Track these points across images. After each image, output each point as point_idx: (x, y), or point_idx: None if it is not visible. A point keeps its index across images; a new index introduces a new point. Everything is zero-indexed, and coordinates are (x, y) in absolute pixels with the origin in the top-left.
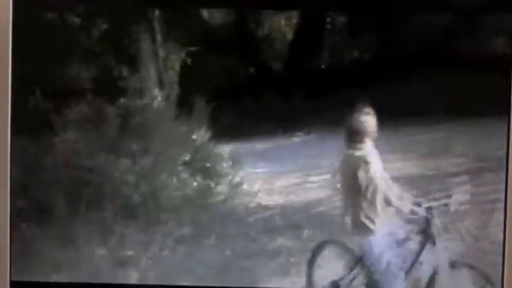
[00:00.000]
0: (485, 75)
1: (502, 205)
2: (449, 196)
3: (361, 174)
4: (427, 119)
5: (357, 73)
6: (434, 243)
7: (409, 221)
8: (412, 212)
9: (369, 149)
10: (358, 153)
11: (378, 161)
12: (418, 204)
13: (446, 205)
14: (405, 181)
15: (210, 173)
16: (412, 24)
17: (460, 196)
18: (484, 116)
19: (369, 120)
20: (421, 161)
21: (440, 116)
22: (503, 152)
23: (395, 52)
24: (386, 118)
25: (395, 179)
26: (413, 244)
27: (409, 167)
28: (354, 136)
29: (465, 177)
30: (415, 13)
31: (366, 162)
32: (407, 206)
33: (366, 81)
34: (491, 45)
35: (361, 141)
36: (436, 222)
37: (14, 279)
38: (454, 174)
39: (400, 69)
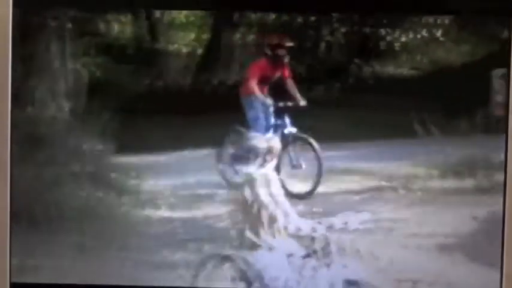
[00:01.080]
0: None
1: (401, 225)
2: (349, 215)
3: (262, 192)
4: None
5: None
6: (332, 261)
7: (307, 239)
8: (312, 230)
9: (269, 167)
10: (259, 171)
11: (273, 179)
12: (318, 222)
13: (345, 223)
14: (307, 199)
15: (113, 185)
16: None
17: (360, 215)
18: (390, 137)
19: (271, 140)
20: (326, 178)
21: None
22: (406, 171)
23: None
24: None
25: (297, 196)
26: (311, 261)
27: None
28: (250, 153)
29: (367, 196)
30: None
31: (267, 180)
32: (307, 224)
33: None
34: None
35: (263, 160)
36: (335, 240)
37: (14, 280)
38: (356, 193)
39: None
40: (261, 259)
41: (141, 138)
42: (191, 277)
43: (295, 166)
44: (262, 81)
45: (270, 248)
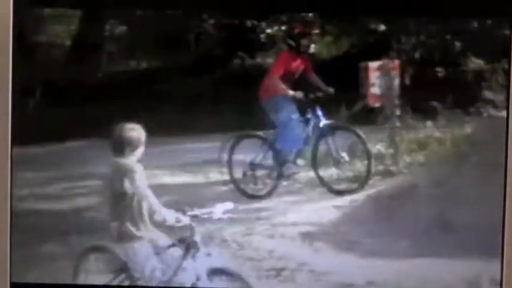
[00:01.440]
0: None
1: (266, 214)
2: (214, 204)
3: (127, 183)
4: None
5: (130, 84)
6: (197, 250)
7: (173, 229)
8: (177, 220)
9: (135, 159)
10: (124, 162)
11: (144, 171)
12: (183, 212)
13: (210, 213)
14: (173, 190)
15: None
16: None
17: (224, 205)
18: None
19: (136, 131)
20: (190, 169)
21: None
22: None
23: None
24: (156, 129)
25: (163, 187)
26: (177, 251)
27: (177, 176)
28: (121, 146)
29: (233, 186)
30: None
31: (132, 172)
32: (172, 214)
33: (137, 92)
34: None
35: (128, 151)
36: (200, 230)
37: (14, 280)
38: (222, 183)
39: (170, 84)
40: (127, 249)
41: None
42: (69, 269)
43: (336, 159)
44: (286, 79)
45: (137, 238)
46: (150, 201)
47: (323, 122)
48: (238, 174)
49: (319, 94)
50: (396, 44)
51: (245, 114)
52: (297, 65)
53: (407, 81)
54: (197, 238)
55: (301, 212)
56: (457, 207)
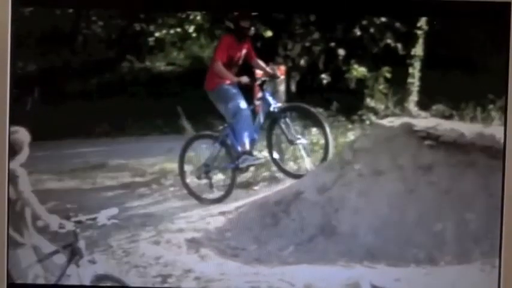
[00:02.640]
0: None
1: (153, 220)
2: (98, 210)
3: (10, 189)
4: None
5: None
6: (82, 256)
7: (57, 235)
8: (60, 226)
9: (18, 163)
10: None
11: (21, 175)
12: (67, 218)
13: (94, 219)
14: (58, 195)
15: None
16: None
17: (109, 210)
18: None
19: (19, 134)
20: (77, 174)
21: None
22: (160, 167)
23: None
24: (43, 133)
25: (48, 192)
26: (61, 258)
27: (64, 181)
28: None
29: (118, 192)
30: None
31: (15, 176)
32: (55, 220)
33: (23, 94)
34: None
35: (11, 155)
36: (84, 236)
37: (11, 281)
38: (109, 189)
39: (58, 86)
40: (11, 257)
41: None
42: None
43: (292, 141)
44: (230, 65)
45: (20, 245)
46: (34, 206)
47: (273, 106)
48: (126, 179)
49: (265, 78)
50: (283, 50)
51: (136, 119)
52: (240, 48)
53: (293, 87)
54: (81, 244)
55: (188, 218)
56: (341, 214)
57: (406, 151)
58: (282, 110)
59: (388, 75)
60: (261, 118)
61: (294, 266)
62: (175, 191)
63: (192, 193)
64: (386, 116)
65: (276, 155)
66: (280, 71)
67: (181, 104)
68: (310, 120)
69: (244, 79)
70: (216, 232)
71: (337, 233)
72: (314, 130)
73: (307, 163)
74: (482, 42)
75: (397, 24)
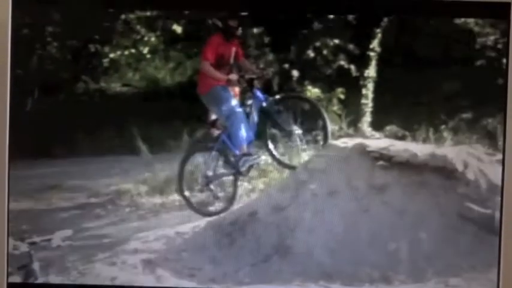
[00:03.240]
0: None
1: (108, 241)
2: (53, 232)
3: None
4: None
5: None
6: (36, 278)
7: (11, 257)
8: (14, 248)
9: None
10: None
11: None
12: (22, 240)
13: (49, 240)
14: (13, 216)
15: None
16: None
17: (62, 232)
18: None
19: None
20: (32, 196)
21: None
22: (115, 187)
23: None
24: None
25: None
26: (16, 279)
27: (19, 202)
28: None
29: (74, 213)
30: None
31: None
32: (10, 241)
33: None
34: None
35: None
36: (39, 257)
37: (11, 281)
38: (64, 210)
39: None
40: None
41: None
42: None
43: (288, 132)
44: (220, 65)
45: None
46: None
47: (265, 102)
48: (82, 199)
49: (253, 76)
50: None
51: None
52: (229, 47)
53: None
54: (36, 266)
55: (144, 238)
56: (296, 234)
57: (359, 171)
58: (275, 103)
59: (342, 96)
60: (254, 117)
61: (250, 286)
62: (131, 211)
63: (193, 207)
64: (340, 136)
65: (271, 147)
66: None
67: (136, 125)
68: (303, 108)
69: (233, 77)
70: (172, 252)
71: (293, 253)
72: (309, 117)
73: (305, 153)
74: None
75: (350, 46)
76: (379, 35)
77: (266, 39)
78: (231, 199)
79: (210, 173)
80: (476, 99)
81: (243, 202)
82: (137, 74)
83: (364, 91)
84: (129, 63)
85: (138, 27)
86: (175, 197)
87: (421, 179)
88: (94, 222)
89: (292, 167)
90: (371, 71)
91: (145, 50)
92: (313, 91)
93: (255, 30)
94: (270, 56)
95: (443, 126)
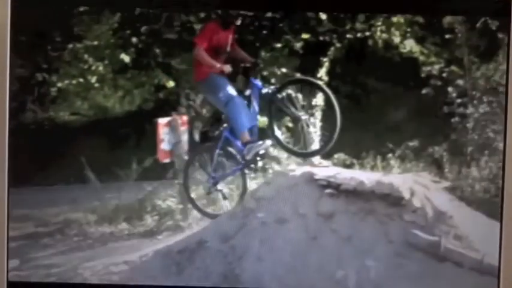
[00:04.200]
0: None
1: (57, 270)
2: None
3: None
4: None
5: None
6: None
7: None
8: None
9: None
10: None
11: None
12: None
13: None
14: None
15: None
16: None
17: (11, 262)
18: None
19: None
20: None
21: None
22: (64, 217)
23: None
24: None
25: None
26: None
27: None
28: None
29: (21, 242)
30: None
31: None
32: None
33: None
34: None
35: None
36: None
37: (11, 280)
38: (12, 239)
39: None
40: None
41: None
42: None
43: (297, 119)
44: (216, 52)
45: None
46: None
47: (265, 89)
48: (30, 229)
49: (248, 65)
50: (185, 100)
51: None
52: (226, 35)
53: (196, 136)
54: None
55: (92, 268)
56: (244, 262)
57: (307, 199)
58: (278, 90)
59: (290, 124)
60: (255, 106)
61: None
62: (79, 240)
63: (199, 210)
64: (288, 165)
65: (278, 134)
66: (183, 120)
67: (85, 154)
68: (310, 91)
69: (227, 68)
70: (120, 281)
71: (241, 281)
72: (318, 102)
73: (316, 139)
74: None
75: (298, 75)
76: (327, 64)
77: None
78: (242, 194)
79: (216, 173)
80: (423, 127)
81: (191, 231)
82: (86, 103)
83: (312, 119)
84: (77, 92)
85: (86, 56)
86: (124, 225)
87: (368, 206)
88: (42, 252)
89: (302, 154)
90: (318, 100)
91: (94, 79)
92: (261, 120)
93: None
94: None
95: (390, 155)
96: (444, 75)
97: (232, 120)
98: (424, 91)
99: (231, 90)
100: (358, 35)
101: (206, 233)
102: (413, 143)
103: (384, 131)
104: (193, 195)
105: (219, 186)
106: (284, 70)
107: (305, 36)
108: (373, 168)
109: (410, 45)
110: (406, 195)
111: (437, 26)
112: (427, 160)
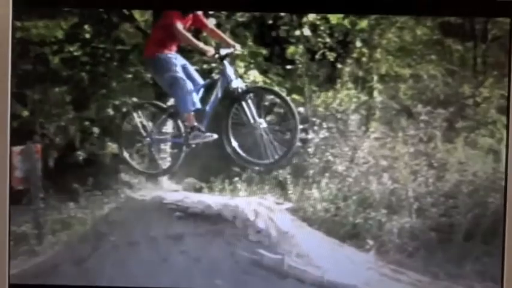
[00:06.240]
0: None
1: None
2: None
3: None
4: None
5: None
6: None
7: None
8: None
9: None
10: None
11: None
12: None
13: None
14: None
15: None
16: None
17: None
18: None
19: None
20: None
21: None
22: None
23: None
24: None
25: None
26: None
27: None
28: None
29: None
30: None
31: None
32: None
33: None
34: None
35: None
36: None
37: (13, 282)
38: None
39: None
40: None
41: None
42: None
43: (254, 128)
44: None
45: None
46: None
47: (237, 84)
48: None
49: (228, 51)
50: (40, 129)
51: None
52: (186, 19)
53: (51, 163)
54: None
55: None
56: (98, 285)
57: (157, 222)
58: (246, 91)
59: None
60: (218, 93)
61: None
62: None
63: (132, 167)
64: (140, 189)
65: (232, 138)
66: (37, 148)
67: None
68: (274, 102)
69: (211, 52)
70: None
71: None
72: (278, 114)
73: (273, 150)
74: None
75: (147, 105)
76: None
77: (67, 98)
78: (170, 167)
79: (156, 136)
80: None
81: (46, 256)
82: None
83: (162, 146)
84: None
85: None
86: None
87: (216, 228)
88: None
89: (258, 164)
90: (169, 127)
91: None
92: (113, 146)
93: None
94: (71, 114)
95: (236, 178)
96: (277, 108)
97: (176, 102)
98: (268, 118)
99: (178, 71)
100: (205, 66)
101: (60, 256)
102: (259, 167)
103: (231, 155)
104: (125, 154)
105: (153, 149)
106: (135, 99)
107: None
108: (221, 191)
109: (254, 75)
110: (251, 217)
111: (280, 57)
112: (271, 183)
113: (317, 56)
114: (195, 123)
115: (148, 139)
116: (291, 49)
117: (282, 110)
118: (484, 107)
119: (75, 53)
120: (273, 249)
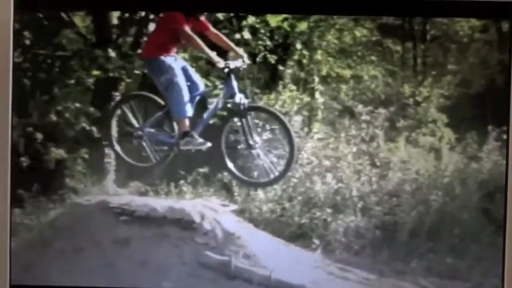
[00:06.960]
0: None
1: None
2: None
3: None
4: None
5: None
6: None
7: None
8: None
9: None
10: None
11: None
12: None
13: None
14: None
15: None
16: None
17: None
18: None
19: None
20: None
21: None
22: None
23: None
24: None
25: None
26: None
27: None
28: None
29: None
30: None
31: None
32: None
33: None
34: None
35: None
36: None
37: (14, 283)
38: None
39: None
40: None
41: None
42: None
43: (251, 146)
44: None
45: None
46: None
47: (240, 99)
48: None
49: (237, 64)
50: None
51: None
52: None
53: None
54: None
55: None
56: None
57: (103, 227)
58: (248, 109)
59: (86, 156)
60: (219, 103)
61: None
62: None
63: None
64: (85, 194)
65: (226, 155)
66: None
67: None
68: (273, 124)
69: (221, 63)
70: None
71: None
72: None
73: (271, 169)
74: None
75: (91, 109)
76: (118, 98)
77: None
78: (158, 163)
79: (149, 129)
80: (213, 153)
81: None
82: None
83: (107, 151)
84: None
85: None
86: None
87: (162, 231)
88: None
89: (252, 184)
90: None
91: None
92: (57, 152)
93: None
94: (15, 121)
95: (182, 181)
96: (229, 106)
97: (170, 105)
98: (211, 122)
99: (175, 75)
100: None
101: None
102: (204, 170)
103: (176, 159)
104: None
105: (143, 143)
106: (78, 105)
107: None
108: (167, 194)
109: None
110: (197, 219)
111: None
112: (217, 185)
113: (258, 59)
114: (188, 129)
115: (139, 132)
116: (231, 52)
117: (278, 133)
118: (424, 106)
119: (16, 60)
120: (219, 251)
